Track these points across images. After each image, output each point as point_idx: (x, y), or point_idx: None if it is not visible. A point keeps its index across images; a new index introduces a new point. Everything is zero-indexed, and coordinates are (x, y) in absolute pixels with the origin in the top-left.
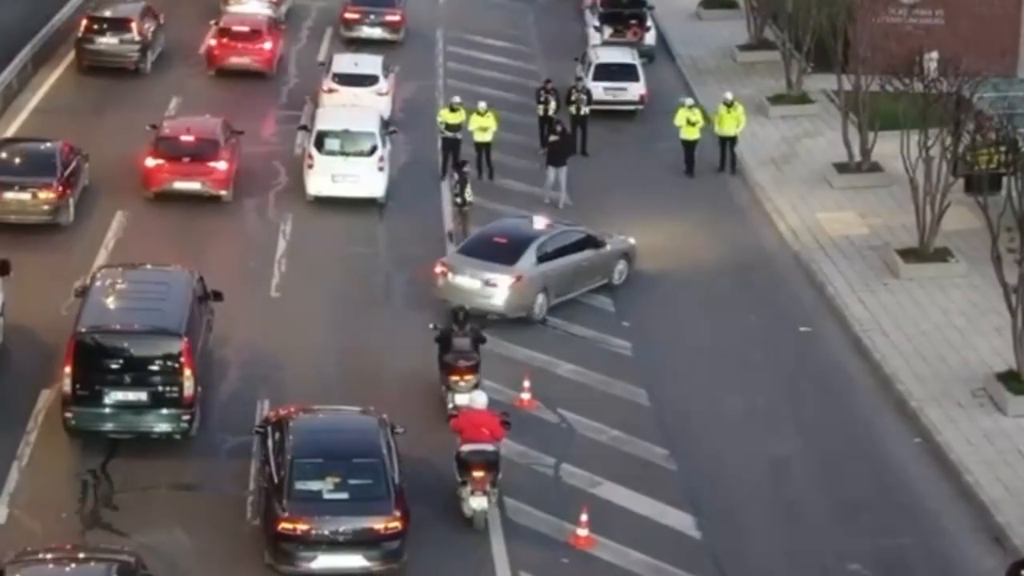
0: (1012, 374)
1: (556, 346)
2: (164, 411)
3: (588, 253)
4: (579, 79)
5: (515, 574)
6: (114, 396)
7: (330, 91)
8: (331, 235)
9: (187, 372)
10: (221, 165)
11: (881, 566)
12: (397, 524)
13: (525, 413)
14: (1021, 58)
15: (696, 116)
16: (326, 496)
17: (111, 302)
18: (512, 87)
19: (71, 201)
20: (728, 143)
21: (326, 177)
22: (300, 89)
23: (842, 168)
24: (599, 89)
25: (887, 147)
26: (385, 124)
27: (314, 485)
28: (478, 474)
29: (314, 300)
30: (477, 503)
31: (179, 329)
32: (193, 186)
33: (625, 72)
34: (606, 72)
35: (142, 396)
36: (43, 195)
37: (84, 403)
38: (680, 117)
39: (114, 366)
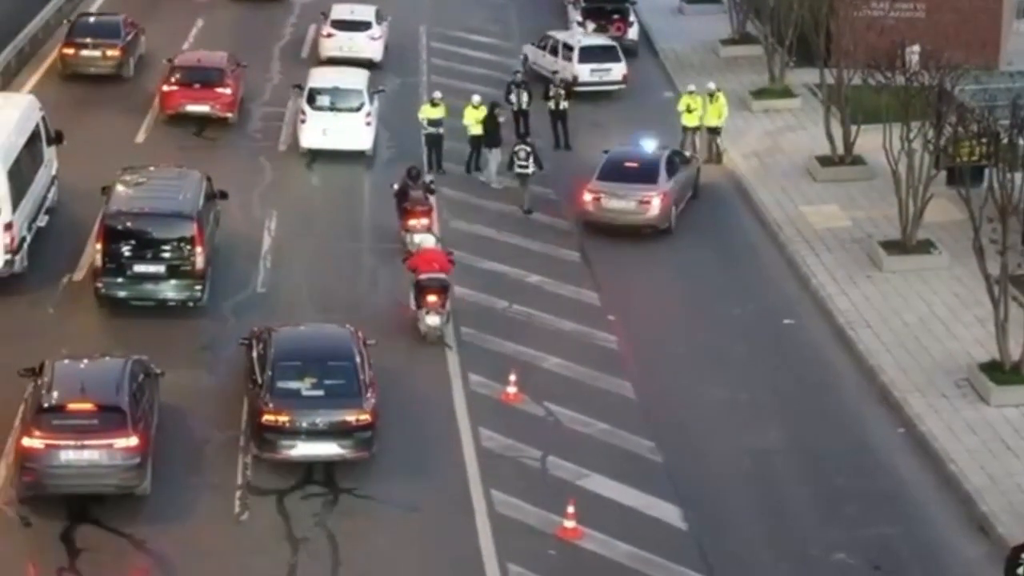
0: (995, 364)
1: (542, 340)
2: (179, 281)
3: (684, 169)
4: (554, 73)
5: (502, 565)
6: (136, 269)
7: (328, 35)
8: (316, 230)
9: (199, 249)
10: (227, 91)
11: (866, 555)
12: (367, 417)
13: (512, 407)
14: (1002, 50)
15: (696, 103)
16: (304, 393)
17: (134, 192)
18: (497, 83)
19: (131, 60)
20: (711, 133)
21: (317, 131)
22: (284, 84)
23: (825, 161)
24: (586, 71)
25: (869, 140)
26: (372, 83)
27: (293, 384)
28: (432, 298)
29: (300, 295)
30: (431, 320)
31: (192, 213)
32: (203, 108)
33: (608, 54)
34: (591, 55)
35: (160, 269)
36: (110, 53)
37: (111, 274)
38: (682, 103)
39: (137, 244)
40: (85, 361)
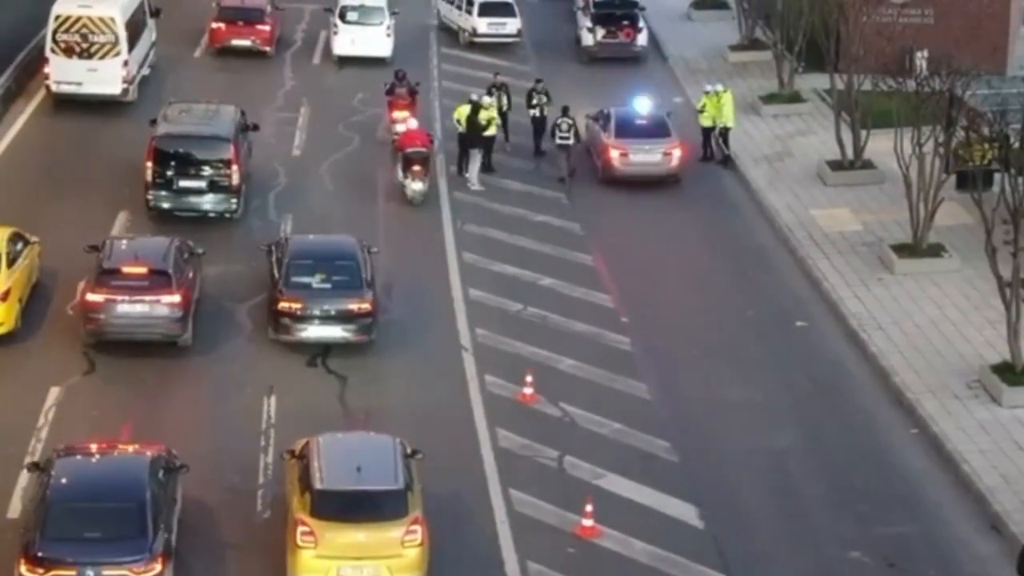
0: (1007, 366)
1: (557, 342)
2: (217, 195)
3: None
4: (539, 80)
5: (523, 563)
6: (181, 183)
7: None
8: (333, 230)
9: (235, 167)
10: (266, 27)
11: (881, 553)
12: (367, 306)
13: (528, 407)
14: (1010, 55)
15: (711, 104)
16: (315, 286)
17: (180, 119)
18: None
19: None
20: (721, 134)
21: (347, 41)
22: (296, 91)
23: (835, 165)
24: (484, 24)
25: (879, 144)
26: (391, 3)
27: (305, 278)
28: (415, 167)
29: None
30: (415, 186)
31: (229, 136)
32: (245, 43)
33: (504, 9)
34: (489, 9)
35: (202, 184)
36: None
37: (159, 188)
38: (699, 103)
39: (181, 162)
40: (138, 238)
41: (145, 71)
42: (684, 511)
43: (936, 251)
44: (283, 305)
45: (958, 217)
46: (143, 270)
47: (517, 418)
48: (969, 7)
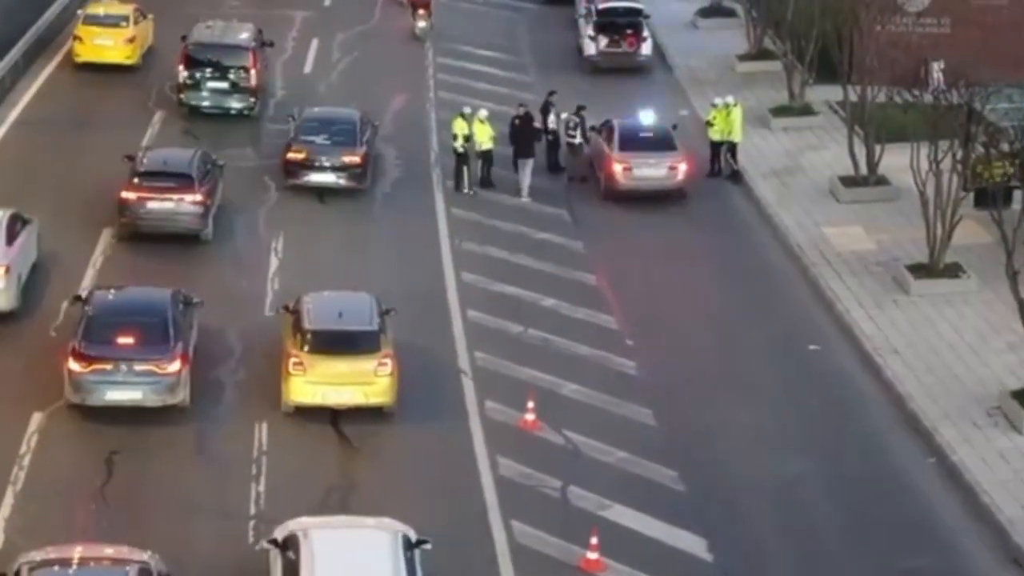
0: None
1: (559, 366)
2: (239, 95)
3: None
4: (552, 92)
5: None
6: (208, 85)
7: None
8: (324, 251)
9: (253, 72)
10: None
11: None
12: (358, 159)
13: (530, 434)
14: None
15: (720, 117)
16: (318, 142)
17: (207, 32)
18: (506, 99)
19: None
20: (729, 149)
21: None
22: (288, 101)
23: (848, 181)
24: None
25: (894, 160)
26: None
27: (312, 137)
28: (421, 11)
29: None
30: (421, 23)
31: (248, 46)
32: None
33: None
34: None
35: (225, 85)
36: None
37: (190, 89)
38: (710, 116)
39: (208, 67)
40: (167, 149)
41: None
42: (692, 543)
43: (954, 271)
44: (291, 155)
45: (976, 236)
46: (170, 172)
47: (518, 445)
48: (987, 16)
